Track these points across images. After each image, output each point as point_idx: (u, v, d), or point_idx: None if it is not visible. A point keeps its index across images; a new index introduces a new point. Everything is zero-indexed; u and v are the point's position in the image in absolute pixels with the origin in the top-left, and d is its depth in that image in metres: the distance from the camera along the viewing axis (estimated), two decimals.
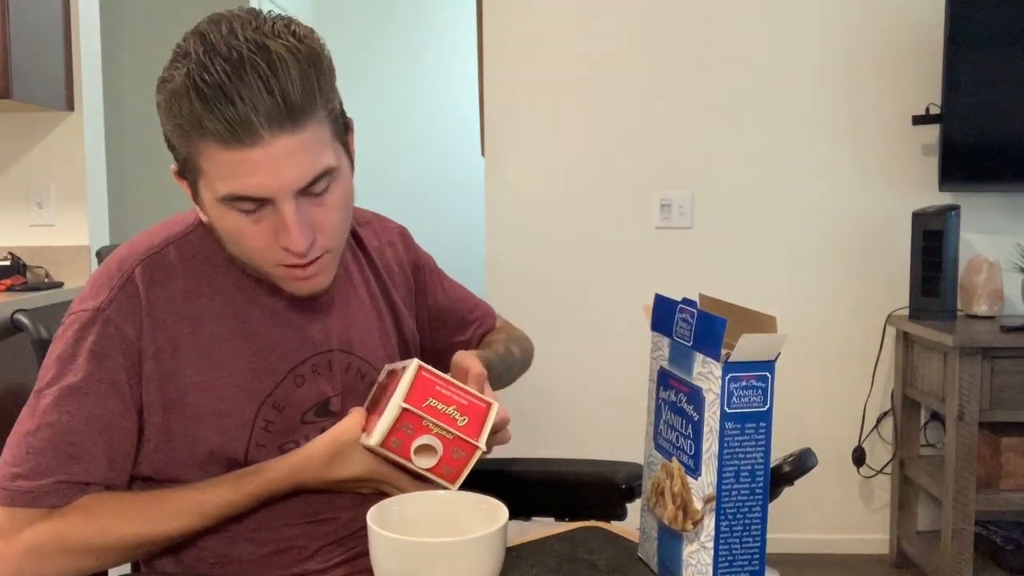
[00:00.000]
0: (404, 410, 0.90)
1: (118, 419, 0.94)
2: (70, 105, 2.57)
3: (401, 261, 1.21)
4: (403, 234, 1.24)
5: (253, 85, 0.83)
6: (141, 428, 0.96)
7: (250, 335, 1.00)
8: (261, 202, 0.89)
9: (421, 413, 0.90)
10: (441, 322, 1.26)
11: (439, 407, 0.92)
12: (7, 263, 2.44)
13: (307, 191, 0.90)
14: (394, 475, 0.96)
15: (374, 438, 0.91)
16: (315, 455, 0.96)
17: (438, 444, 0.91)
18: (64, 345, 0.94)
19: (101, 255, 1.23)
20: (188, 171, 0.92)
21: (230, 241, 0.95)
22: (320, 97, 0.88)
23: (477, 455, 0.93)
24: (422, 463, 0.92)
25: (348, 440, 0.95)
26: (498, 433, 0.98)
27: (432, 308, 1.25)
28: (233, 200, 0.89)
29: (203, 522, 0.94)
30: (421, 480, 0.95)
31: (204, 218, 0.97)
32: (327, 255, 0.96)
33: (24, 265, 2.48)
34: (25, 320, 1.11)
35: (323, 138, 0.90)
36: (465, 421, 0.93)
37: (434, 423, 0.91)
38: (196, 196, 0.94)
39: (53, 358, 0.94)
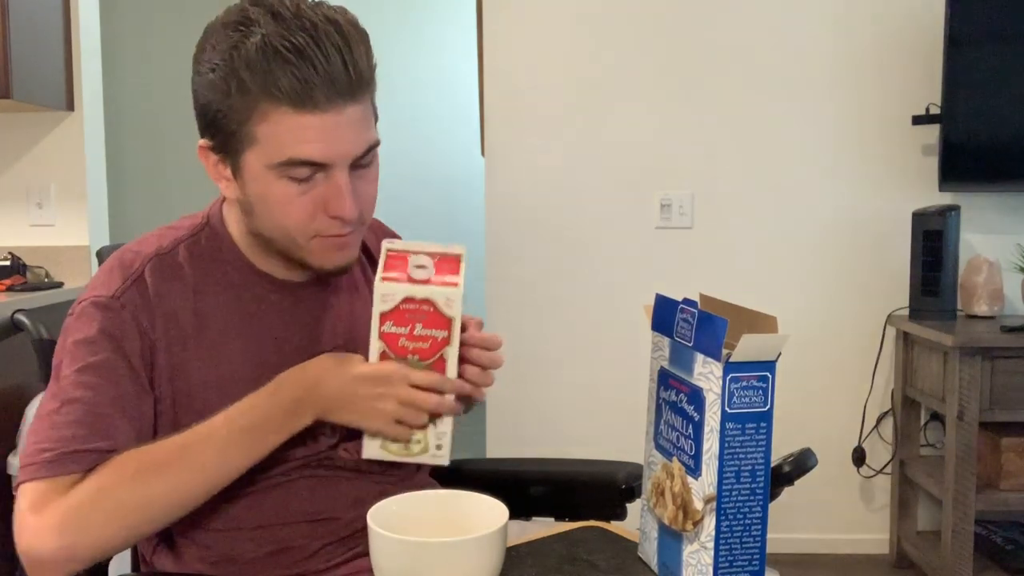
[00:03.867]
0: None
1: (138, 402, 0.94)
2: (70, 105, 2.57)
3: None
4: None
5: (330, 54, 0.88)
6: (155, 418, 0.96)
7: (256, 333, 1.01)
8: (316, 169, 0.92)
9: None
10: None
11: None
12: (7, 263, 2.43)
13: (357, 162, 0.94)
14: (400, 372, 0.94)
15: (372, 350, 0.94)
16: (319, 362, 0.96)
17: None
18: (80, 330, 0.94)
19: (101, 255, 1.23)
20: (233, 143, 0.93)
21: (269, 213, 0.95)
22: (374, 76, 0.94)
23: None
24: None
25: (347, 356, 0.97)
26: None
27: None
28: (291, 166, 0.91)
29: (240, 453, 0.92)
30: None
31: (235, 195, 0.97)
32: (360, 228, 1.00)
33: (24, 265, 2.48)
34: (25, 320, 1.11)
35: (371, 114, 0.96)
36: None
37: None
38: (236, 170, 0.95)
39: (70, 343, 0.94)
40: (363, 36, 0.92)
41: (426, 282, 0.94)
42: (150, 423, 0.95)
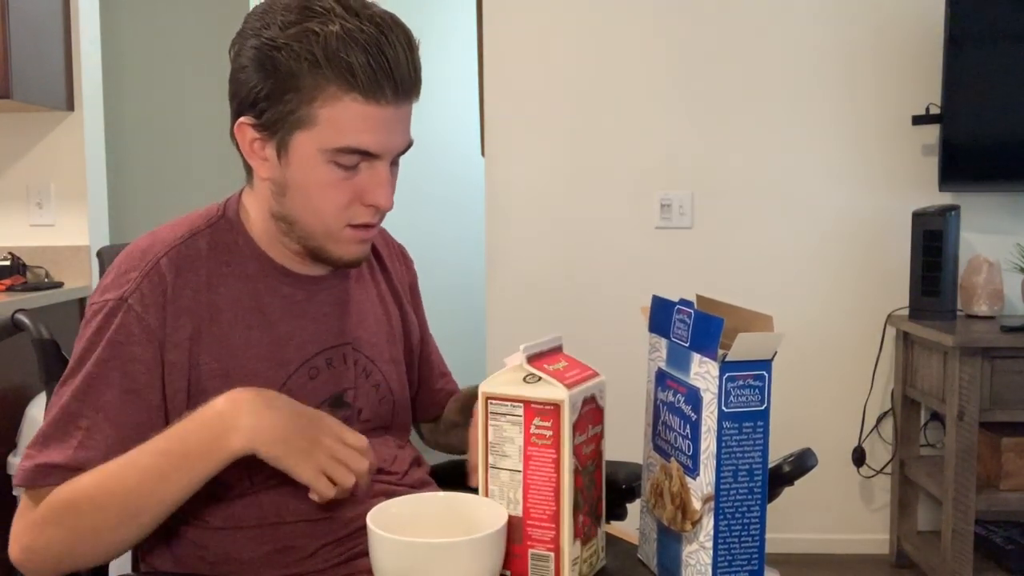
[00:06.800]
0: None
1: (131, 409, 0.95)
2: (70, 105, 2.57)
3: (402, 277, 1.24)
4: (405, 254, 1.28)
5: (400, 53, 0.93)
6: (166, 418, 0.97)
7: (267, 325, 1.02)
8: (363, 159, 0.95)
9: None
10: (410, 365, 1.24)
11: None
12: (7, 263, 2.44)
13: (395, 158, 0.99)
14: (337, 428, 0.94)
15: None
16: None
17: None
18: (88, 334, 0.96)
19: (101, 255, 1.23)
20: (287, 122, 0.94)
21: (306, 196, 0.97)
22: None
23: None
24: None
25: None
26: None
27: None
28: (345, 152, 0.94)
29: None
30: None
31: (269, 175, 0.98)
32: (380, 223, 1.03)
33: (24, 265, 2.48)
34: (25, 320, 1.11)
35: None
36: None
37: None
38: (281, 149, 0.96)
39: (79, 349, 0.97)
40: (416, 41, 0.96)
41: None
42: (141, 430, 0.94)
